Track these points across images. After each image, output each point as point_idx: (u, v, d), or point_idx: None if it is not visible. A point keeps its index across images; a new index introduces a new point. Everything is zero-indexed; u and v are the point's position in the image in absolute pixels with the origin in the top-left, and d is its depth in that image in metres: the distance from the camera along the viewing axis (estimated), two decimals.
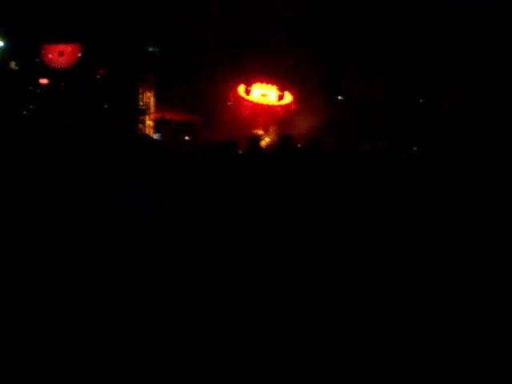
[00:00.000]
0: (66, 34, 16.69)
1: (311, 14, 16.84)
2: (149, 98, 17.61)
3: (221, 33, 16.68)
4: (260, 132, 17.28)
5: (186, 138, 16.07)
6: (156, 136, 17.40)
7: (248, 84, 18.40)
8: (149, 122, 17.57)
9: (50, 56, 17.22)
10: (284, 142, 10.34)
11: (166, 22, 16.61)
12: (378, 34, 16.59)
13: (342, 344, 4.27)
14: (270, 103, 18.26)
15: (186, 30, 16.71)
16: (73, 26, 16.34)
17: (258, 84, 18.43)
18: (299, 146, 11.66)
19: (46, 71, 17.15)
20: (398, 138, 15.32)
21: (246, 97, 18.28)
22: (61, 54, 17.10)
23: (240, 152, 10.15)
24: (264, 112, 18.22)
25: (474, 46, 15.51)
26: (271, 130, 17.30)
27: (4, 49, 17.10)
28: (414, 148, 12.73)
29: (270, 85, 18.42)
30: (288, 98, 18.27)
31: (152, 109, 17.67)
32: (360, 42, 16.59)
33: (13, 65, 17.13)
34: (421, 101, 16.75)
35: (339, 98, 17.81)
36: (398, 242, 5.89)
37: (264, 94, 18.32)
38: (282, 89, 18.39)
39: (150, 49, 17.50)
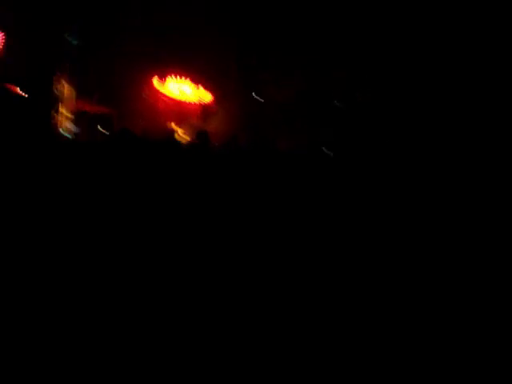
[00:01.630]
0: None
1: (229, 10, 17.00)
2: (63, 87, 17.32)
3: (138, 22, 16.67)
4: (173, 126, 17.31)
5: (100, 129, 15.94)
6: (69, 125, 17.19)
7: (162, 77, 18.34)
8: (62, 110, 17.29)
9: None
10: (201, 138, 10.55)
11: (86, 11, 16.44)
12: (298, 32, 16.85)
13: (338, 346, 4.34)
14: (189, 100, 18.32)
15: (104, 20, 16.61)
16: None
17: (173, 77, 18.38)
18: (216, 144, 11.81)
19: None
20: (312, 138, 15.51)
21: (162, 90, 18.24)
22: None
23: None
24: (178, 107, 18.24)
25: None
26: (186, 124, 17.37)
27: None
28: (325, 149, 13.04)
29: (183, 78, 18.41)
30: (206, 96, 18.33)
31: (71, 100, 17.40)
32: (280, 41, 16.80)
33: None
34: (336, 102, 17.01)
35: (255, 97, 18.00)
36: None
37: (181, 89, 18.32)
38: (195, 83, 18.41)
39: (68, 38, 17.23)
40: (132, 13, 16.94)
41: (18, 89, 15.99)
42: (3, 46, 16.59)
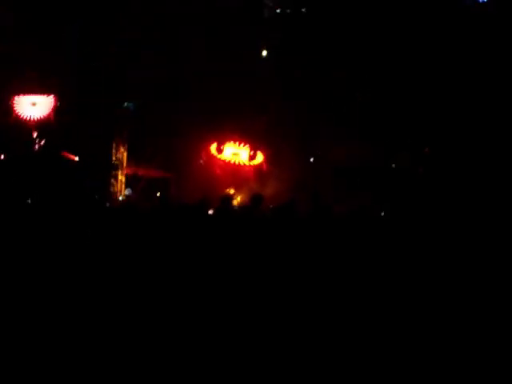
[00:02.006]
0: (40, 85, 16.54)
1: (286, 75, 17.12)
2: (122, 154, 17.58)
3: (196, 91, 16.88)
4: (232, 191, 17.27)
5: (158, 194, 15.99)
6: (127, 191, 17.37)
7: (220, 143, 18.46)
8: (121, 177, 17.51)
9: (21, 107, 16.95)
10: (255, 201, 10.32)
11: (142, 77, 16.76)
12: (351, 96, 16.90)
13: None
14: (241, 162, 18.34)
15: (161, 86, 16.88)
16: (47, 77, 16.31)
17: (231, 143, 18.49)
18: (271, 206, 11.60)
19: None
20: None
21: (218, 156, 18.34)
22: (34, 105, 16.85)
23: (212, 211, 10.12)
24: (235, 171, 18.27)
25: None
26: (243, 189, 17.30)
27: None
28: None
29: (242, 144, 18.50)
30: (259, 157, 18.36)
31: (124, 164, 17.62)
32: (333, 104, 16.83)
33: None
34: (393, 166, 16.86)
35: (311, 159, 17.93)
36: None
37: (236, 153, 18.39)
38: (253, 148, 18.46)
39: (126, 104, 17.56)
40: (190, 80, 17.16)
41: (75, 157, 16.28)
42: (54, 110, 16.87)
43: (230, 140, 18.44)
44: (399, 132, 16.65)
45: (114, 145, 17.41)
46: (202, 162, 18.23)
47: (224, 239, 7.23)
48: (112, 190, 17.24)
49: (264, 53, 17.95)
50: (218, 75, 16.58)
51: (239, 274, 6.30)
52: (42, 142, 16.45)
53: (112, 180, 17.27)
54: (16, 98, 16.79)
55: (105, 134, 16.90)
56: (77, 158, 16.32)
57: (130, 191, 17.39)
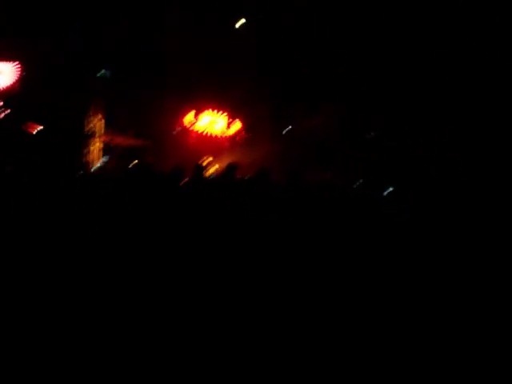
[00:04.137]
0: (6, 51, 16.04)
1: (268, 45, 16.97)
2: (98, 122, 17.43)
3: (174, 56, 16.73)
4: (207, 161, 17.24)
5: (134, 162, 15.94)
6: (103, 159, 17.28)
7: (198, 111, 18.35)
8: (98, 145, 17.37)
9: None
10: (228, 171, 10.34)
11: (120, 44, 16.57)
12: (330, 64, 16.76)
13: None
14: (216, 132, 18.28)
15: (137, 53, 16.73)
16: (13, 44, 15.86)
17: (209, 111, 18.37)
18: (247, 177, 11.62)
19: None
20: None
21: (195, 126, 18.25)
22: None
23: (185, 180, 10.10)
24: (210, 141, 18.21)
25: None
26: (218, 159, 17.27)
27: None
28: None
29: (220, 112, 18.40)
30: (236, 126, 18.30)
31: (101, 131, 17.47)
32: (313, 73, 16.71)
33: None
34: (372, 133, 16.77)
35: (287, 128, 17.88)
36: None
37: (212, 121, 18.31)
38: (231, 117, 18.38)
39: (102, 71, 17.36)
40: (169, 45, 16.98)
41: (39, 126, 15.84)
42: (20, 77, 16.44)
43: (207, 108, 18.33)
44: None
45: (89, 113, 17.24)
46: (178, 130, 18.13)
47: (196, 210, 7.23)
48: (87, 158, 17.12)
49: (242, 20, 17.74)
50: (195, 39, 16.45)
51: (211, 248, 6.30)
52: (7, 112, 16.07)
53: (87, 148, 17.13)
54: None
55: (79, 102, 16.67)
56: (40, 128, 15.93)
57: (107, 159, 17.30)
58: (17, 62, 16.38)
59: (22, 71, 16.38)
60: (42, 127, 16.05)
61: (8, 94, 16.31)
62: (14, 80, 16.30)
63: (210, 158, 17.49)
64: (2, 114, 16.09)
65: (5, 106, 16.20)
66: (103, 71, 17.25)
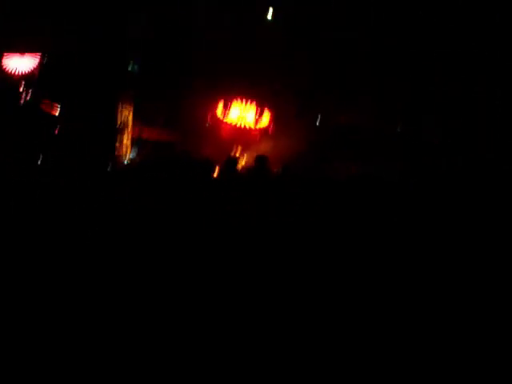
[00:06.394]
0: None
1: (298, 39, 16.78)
2: (127, 117, 17.42)
3: (200, 46, 16.66)
4: (237, 154, 17.16)
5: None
6: (132, 154, 17.28)
7: (227, 102, 18.24)
8: (126, 141, 17.38)
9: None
10: (259, 163, 10.24)
11: (148, 38, 16.55)
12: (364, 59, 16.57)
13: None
14: (248, 125, 18.13)
15: (166, 47, 16.69)
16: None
17: (238, 102, 18.22)
18: (276, 170, 11.56)
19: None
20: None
21: (224, 119, 18.14)
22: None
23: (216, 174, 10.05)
24: (241, 135, 18.09)
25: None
26: (249, 151, 17.18)
27: None
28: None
29: (248, 102, 18.23)
30: (266, 118, 18.15)
31: (130, 127, 17.47)
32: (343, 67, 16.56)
33: None
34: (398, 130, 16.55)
35: (318, 121, 17.71)
36: None
37: (242, 116, 18.17)
38: (260, 107, 18.22)
39: (131, 66, 17.35)
40: (196, 40, 16.91)
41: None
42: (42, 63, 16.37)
43: (236, 98, 18.19)
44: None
45: (119, 108, 17.20)
46: (207, 125, 18.05)
47: (225, 202, 7.17)
48: (119, 152, 17.13)
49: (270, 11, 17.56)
50: (223, 30, 16.36)
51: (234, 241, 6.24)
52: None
53: (116, 144, 17.12)
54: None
55: (109, 97, 16.65)
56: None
57: (135, 154, 17.31)
58: (40, 49, 16.46)
59: (46, 58, 16.47)
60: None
61: (31, 79, 16.38)
62: (35, 66, 16.41)
63: (241, 150, 17.42)
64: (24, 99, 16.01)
65: (28, 90, 16.20)
66: (132, 64, 17.22)
